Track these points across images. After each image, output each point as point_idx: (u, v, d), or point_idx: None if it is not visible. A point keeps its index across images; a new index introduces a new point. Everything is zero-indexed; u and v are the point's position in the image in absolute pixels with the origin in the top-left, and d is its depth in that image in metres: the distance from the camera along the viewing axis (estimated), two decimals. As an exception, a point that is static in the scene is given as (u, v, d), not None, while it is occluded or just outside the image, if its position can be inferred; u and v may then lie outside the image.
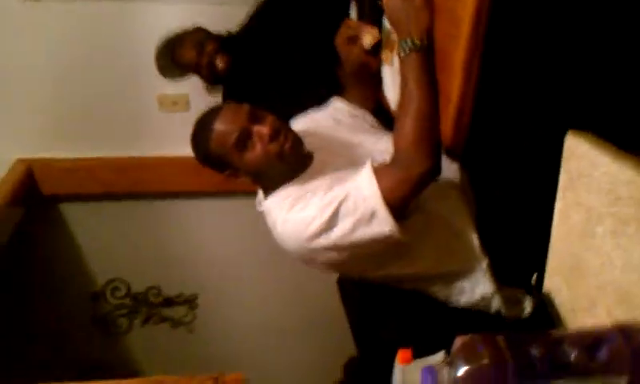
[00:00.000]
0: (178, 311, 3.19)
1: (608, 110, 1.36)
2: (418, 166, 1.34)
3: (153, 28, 2.40)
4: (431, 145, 1.35)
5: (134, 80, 2.67)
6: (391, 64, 1.64)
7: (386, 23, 1.63)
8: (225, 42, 2.26)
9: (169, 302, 3.15)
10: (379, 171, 1.37)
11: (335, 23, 1.80)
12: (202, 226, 3.00)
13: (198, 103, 2.54)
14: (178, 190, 2.85)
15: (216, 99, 2.32)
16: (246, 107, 1.49)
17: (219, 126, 1.46)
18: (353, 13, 2.05)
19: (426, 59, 1.32)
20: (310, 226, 1.39)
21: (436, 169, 1.37)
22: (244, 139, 1.44)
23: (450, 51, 1.35)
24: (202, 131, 1.50)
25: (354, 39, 1.64)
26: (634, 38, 1.33)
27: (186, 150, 2.59)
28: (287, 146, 1.46)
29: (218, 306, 3.18)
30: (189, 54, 2.22)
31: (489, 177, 1.57)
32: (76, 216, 2.92)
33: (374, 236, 1.38)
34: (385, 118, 1.80)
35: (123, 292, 3.12)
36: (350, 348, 2.93)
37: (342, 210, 1.36)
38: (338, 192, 1.39)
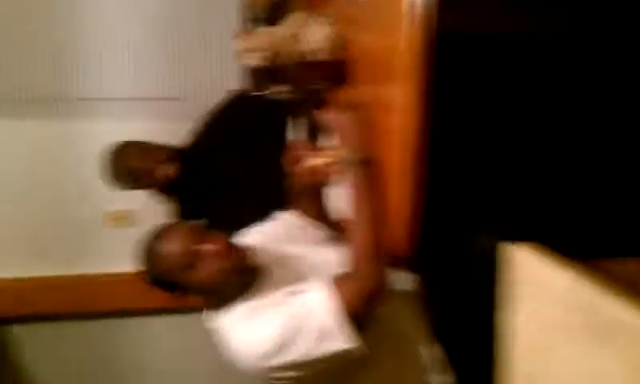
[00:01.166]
0: None
1: (545, 217, 1.42)
2: (376, 276, 1.37)
3: (100, 146, 2.34)
4: (380, 256, 1.40)
5: (80, 197, 2.65)
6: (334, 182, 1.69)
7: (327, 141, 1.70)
8: (171, 153, 2.25)
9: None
10: (337, 284, 1.38)
11: (277, 141, 1.88)
12: (154, 343, 2.92)
13: (144, 218, 2.61)
14: (127, 307, 2.77)
15: (157, 217, 2.21)
16: (191, 226, 1.49)
17: (165, 248, 1.44)
18: (290, 131, 2.11)
19: (370, 171, 1.41)
20: (266, 345, 1.37)
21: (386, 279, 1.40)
22: (191, 259, 1.43)
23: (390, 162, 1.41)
24: (147, 255, 1.48)
25: (302, 159, 1.68)
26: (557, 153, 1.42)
27: (126, 267, 2.66)
28: (237, 261, 1.46)
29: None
30: (136, 160, 2.18)
31: (440, 284, 1.60)
32: (19, 339, 2.80)
33: (335, 352, 1.35)
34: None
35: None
36: None
37: (300, 326, 1.35)
38: (294, 307, 1.38)
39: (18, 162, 2.57)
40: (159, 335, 2.90)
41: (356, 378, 1.51)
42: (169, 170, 2.18)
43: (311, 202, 1.81)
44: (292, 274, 1.55)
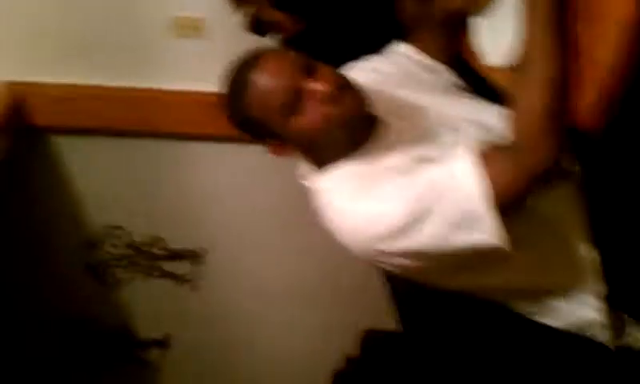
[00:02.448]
0: (183, 267, 2.81)
1: None
2: (545, 152, 0.98)
3: None
4: (561, 123, 0.99)
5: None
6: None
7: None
8: None
9: (174, 255, 2.78)
10: (487, 157, 1.02)
11: None
12: (218, 174, 2.60)
13: (217, 29, 2.26)
14: (192, 131, 2.43)
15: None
16: (295, 56, 1.16)
17: (260, 81, 1.12)
18: None
19: (562, 3, 0.96)
20: (382, 224, 1.07)
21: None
22: (294, 100, 1.10)
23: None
24: (236, 87, 1.15)
25: None
26: None
27: (201, 85, 2.29)
28: (351, 108, 1.11)
29: (227, 265, 2.81)
30: None
31: (618, 177, 1.18)
32: (72, 151, 2.51)
33: (473, 246, 1.03)
34: (467, 79, 1.39)
35: (123, 241, 2.75)
36: (367, 322, 2.66)
37: (431, 207, 1.02)
38: (424, 180, 1.05)
39: None
40: (227, 165, 2.58)
41: (488, 277, 1.14)
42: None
43: (448, 35, 1.37)
44: (418, 132, 1.19)
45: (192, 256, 2.79)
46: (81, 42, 2.30)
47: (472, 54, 1.30)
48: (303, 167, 1.27)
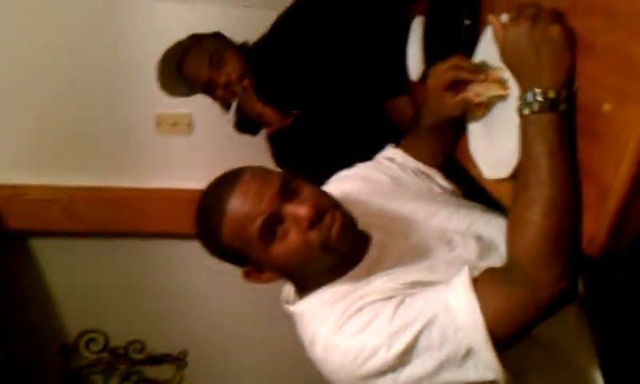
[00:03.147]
0: (164, 371, 2.69)
1: None
2: (548, 287, 0.88)
3: (157, 31, 1.99)
4: (569, 254, 0.89)
5: (127, 94, 2.20)
6: (486, 112, 1.17)
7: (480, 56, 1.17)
8: (248, 56, 1.82)
9: (153, 359, 2.66)
10: (481, 286, 0.92)
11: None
12: (196, 273, 2.43)
13: (202, 126, 2.25)
14: (170, 229, 2.35)
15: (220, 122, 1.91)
16: (274, 176, 1.05)
17: (236, 205, 1.02)
18: (414, 37, 1.58)
19: (565, 122, 0.90)
20: (371, 360, 0.95)
21: (573, 290, 0.91)
22: (273, 226, 1.01)
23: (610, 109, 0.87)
24: (211, 212, 1.04)
25: (457, 86, 1.17)
26: None
27: (181, 183, 2.24)
28: (335, 232, 1.01)
29: (210, 368, 2.70)
30: (201, 66, 1.77)
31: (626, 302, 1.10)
32: (47, 253, 2.44)
33: (466, 381, 0.93)
34: (463, 186, 1.34)
35: (100, 345, 2.63)
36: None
37: (422, 341, 0.92)
38: (415, 311, 0.94)
39: (54, 41, 2.12)
40: (205, 263, 2.46)
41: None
42: (241, 88, 1.79)
43: (442, 141, 1.31)
44: (410, 249, 1.10)
45: (173, 359, 2.68)
46: (58, 142, 2.26)
47: (469, 160, 1.24)
48: (286, 290, 1.16)
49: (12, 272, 2.40)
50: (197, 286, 2.54)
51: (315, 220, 1.00)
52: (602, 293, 1.12)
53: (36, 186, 2.28)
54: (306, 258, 1.03)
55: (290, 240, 1.01)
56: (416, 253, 1.09)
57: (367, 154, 1.37)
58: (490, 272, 0.95)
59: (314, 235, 1.00)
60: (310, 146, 1.78)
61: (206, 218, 1.06)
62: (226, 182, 1.05)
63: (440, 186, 1.32)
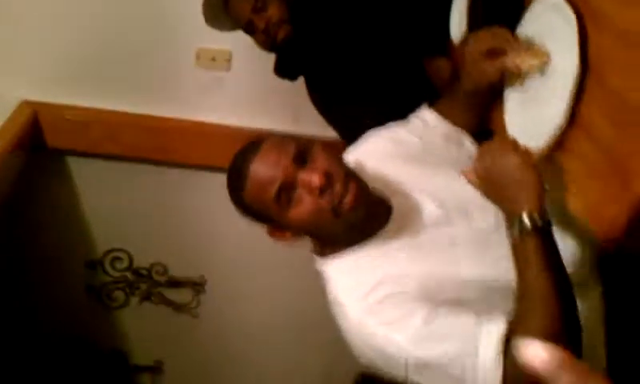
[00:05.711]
0: (183, 294, 2.83)
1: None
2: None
3: None
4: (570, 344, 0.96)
5: (170, 25, 2.23)
6: (523, 83, 1.23)
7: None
8: (291, 4, 1.81)
9: (174, 282, 2.79)
10: (511, 357, 0.96)
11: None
12: (223, 205, 2.58)
13: (241, 63, 2.28)
14: (203, 162, 2.44)
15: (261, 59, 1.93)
16: (291, 145, 1.13)
17: (256, 170, 1.12)
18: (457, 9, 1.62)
19: (549, 240, 0.99)
20: (391, 349, 1.03)
21: None
22: (288, 192, 1.10)
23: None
24: (236, 175, 1.15)
25: (496, 53, 1.22)
26: None
27: (218, 118, 2.35)
28: (347, 200, 1.09)
29: (227, 294, 2.81)
30: (245, 6, 1.78)
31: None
32: (83, 172, 2.53)
33: None
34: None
35: (125, 264, 2.76)
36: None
37: (441, 367, 1.00)
38: (448, 328, 1.01)
39: None
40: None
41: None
42: (280, 34, 1.80)
43: (474, 110, 1.35)
44: (431, 221, 1.18)
45: (193, 284, 2.80)
46: (100, 66, 2.32)
47: (501, 127, 1.29)
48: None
49: (48, 187, 2.49)
50: (223, 219, 2.51)
51: (326, 187, 1.08)
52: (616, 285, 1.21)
53: (78, 107, 2.35)
54: (319, 223, 1.11)
55: (304, 205, 1.09)
56: (435, 222, 1.17)
57: (402, 111, 1.41)
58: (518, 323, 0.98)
59: (325, 202, 1.08)
60: (347, 98, 1.81)
61: (233, 179, 1.17)
62: (250, 149, 1.15)
63: (467, 152, 1.35)
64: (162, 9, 2.21)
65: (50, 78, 2.32)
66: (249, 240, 2.56)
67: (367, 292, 1.07)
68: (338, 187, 1.08)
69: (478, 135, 1.37)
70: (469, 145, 1.37)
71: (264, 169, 1.11)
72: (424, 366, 0.99)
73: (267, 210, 1.12)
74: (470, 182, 1.10)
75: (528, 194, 0.99)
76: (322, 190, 1.08)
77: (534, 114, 1.15)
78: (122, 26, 2.24)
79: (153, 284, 2.80)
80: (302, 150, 1.12)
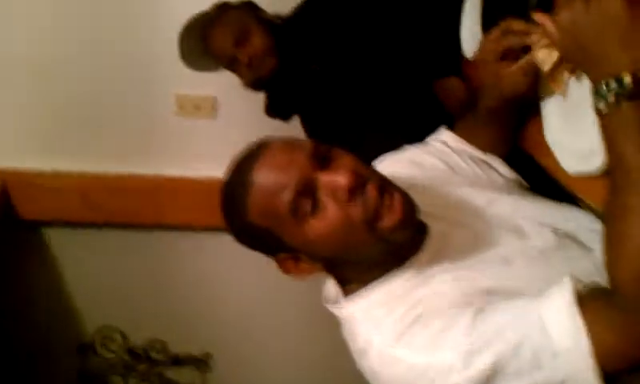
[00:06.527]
0: (186, 373, 2.58)
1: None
2: None
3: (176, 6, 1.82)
4: None
5: (146, 75, 2.07)
6: (564, 93, 0.98)
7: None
8: (276, 33, 1.67)
9: (175, 360, 2.54)
10: (587, 308, 0.76)
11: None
12: (223, 269, 2.37)
13: (228, 109, 2.13)
14: (193, 221, 2.23)
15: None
16: (306, 143, 0.93)
17: (263, 176, 0.89)
18: (471, 7, 1.39)
19: None
20: (442, 380, 0.81)
21: None
22: (307, 198, 0.86)
23: None
24: (235, 187, 0.92)
25: (515, 52, 1.03)
26: None
27: (205, 171, 2.10)
28: (392, 216, 0.86)
29: (235, 371, 2.56)
30: (226, 41, 1.65)
31: None
32: (63, 244, 2.33)
33: None
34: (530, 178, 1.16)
35: (118, 344, 2.52)
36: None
37: (509, 364, 0.78)
38: (499, 325, 0.80)
39: (67, 19, 2.00)
40: (233, 259, 2.29)
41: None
42: (266, 66, 1.67)
43: (500, 127, 1.14)
44: (473, 240, 0.95)
45: (196, 361, 2.55)
46: (72, 124, 2.14)
47: (539, 147, 1.05)
48: (328, 287, 1.01)
49: (25, 264, 2.29)
50: (224, 284, 2.41)
51: (355, 189, 0.85)
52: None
53: (51, 173, 2.17)
54: (348, 239, 0.88)
55: (328, 215, 0.86)
56: (480, 243, 0.95)
57: (413, 136, 1.22)
58: (594, 292, 0.79)
59: (356, 210, 0.85)
60: (350, 132, 1.61)
61: (230, 194, 0.93)
62: (252, 153, 0.92)
63: (501, 175, 1.14)
64: (136, 60, 2.05)
65: (16, 142, 2.15)
66: (255, 300, 2.44)
67: (400, 320, 0.87)
68: (371, 191, 0.87)
69: (510, 158, 1.17)
70: (500, 168, 1.16)
71: (273, 173, 0.89)
72: (484, 376, 0.79)
73: (278, 229, 0.89)
74: (544, 32, 0.87)
75: (629, 48, 0.78)
76: (352, 192, 0.86)
77: (583, 130, 0.91)
78: (96, 80, 2.08)
79: (151, 364, 2.55)
80: (320, 149, 0.90)
